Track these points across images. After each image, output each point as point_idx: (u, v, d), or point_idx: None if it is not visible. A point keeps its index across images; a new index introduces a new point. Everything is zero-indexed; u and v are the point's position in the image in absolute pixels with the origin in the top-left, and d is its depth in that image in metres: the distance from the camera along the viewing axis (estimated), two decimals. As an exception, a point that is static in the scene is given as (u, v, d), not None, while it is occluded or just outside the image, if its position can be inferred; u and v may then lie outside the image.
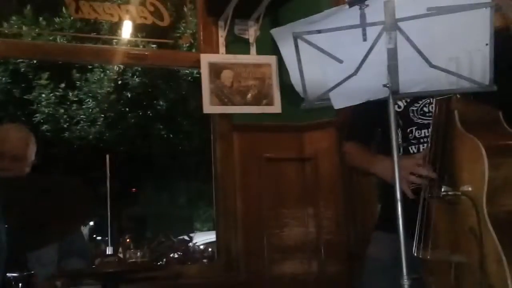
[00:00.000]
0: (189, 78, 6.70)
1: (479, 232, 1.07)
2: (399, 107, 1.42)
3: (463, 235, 1.12)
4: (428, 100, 1.39)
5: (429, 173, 1.21)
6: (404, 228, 1.07)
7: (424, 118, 1.40)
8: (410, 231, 1.15)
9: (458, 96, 1.20)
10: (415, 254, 1.17)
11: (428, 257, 1.12)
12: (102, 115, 6.88)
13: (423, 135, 1.40)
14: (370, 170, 1.45)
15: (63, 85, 6.65)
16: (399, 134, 1.43)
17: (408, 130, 1.42)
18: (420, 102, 1.41)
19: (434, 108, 1.26)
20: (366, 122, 1.46)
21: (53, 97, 6.65)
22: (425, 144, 1.38)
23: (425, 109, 1.40)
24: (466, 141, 1.15)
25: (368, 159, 1.45)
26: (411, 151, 1.41)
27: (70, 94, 6.73)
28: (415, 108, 1.40)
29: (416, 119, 1.41)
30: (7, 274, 1.45)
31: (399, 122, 1.43)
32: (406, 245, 1.10)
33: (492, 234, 1.06)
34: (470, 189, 1.11)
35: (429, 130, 1.36)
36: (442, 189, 1.14)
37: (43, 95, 6.62)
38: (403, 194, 1.26)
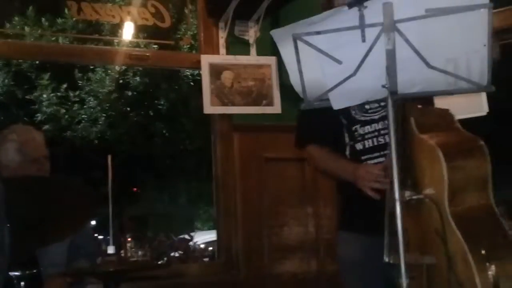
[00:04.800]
0: (190, 79, 6.72)
1: (444, 232, 1.09)
2: None
3: (429, 237, 1.15)
4: None
5: (385, 179, 1.24)
6: (377, 231, 1.09)
7: (366, 115, 1.43)
8: (380, 232, 1.18)
9: (412, 103, 1.23)
10: (386, 260, 1.18)
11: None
12: (104, 115, 6.90)
13: (366, 131, 1.44)
14: (343, 177, 1.44)
15: (65, 85, 6.67)
16: (346, 133, 1.46)
17: (353, 128, 1.45)
18: None
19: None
20: (320, 122, 1.46)
21: (55, 97, 6.67)
22: (369, 140, 1.42)
23: (366, 107, 1.43)
24: (424, 146, 1.18)
25: (341, 166, 1.46)
26: (357, 148, 1.45)
27: (72, 94, 6.75)
28: (356, 106, 1.42)
29: (358, 116, 1.45)
30: (10, 273, 1.46)
31: (342, 121, 1.46)
32: (378, 247, 1.11)
33: (457, 233, 1.08)
34: (432, 192, 1.14)
35: (372, 126, 1.42)
36: (406, 194, 1.16)
37: (45, 95, 6.64)
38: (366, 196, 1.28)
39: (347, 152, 1.46)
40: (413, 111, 1.24)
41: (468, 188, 1.14)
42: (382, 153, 1.39)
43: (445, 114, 1.29)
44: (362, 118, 1.44)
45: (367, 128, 1.43)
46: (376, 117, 1.42)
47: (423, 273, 1.14)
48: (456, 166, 1.13)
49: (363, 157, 1.43)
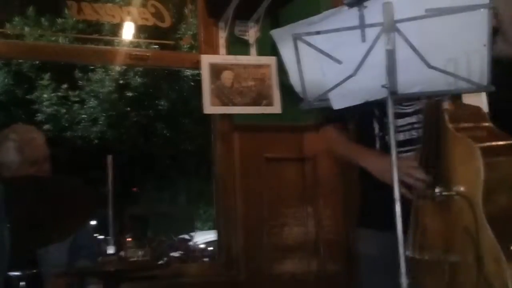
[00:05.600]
0: (190, 78, 6.72)
1: (476, 231, 1.08)
2: None
3: (457, 234, 1.13)
4: None
5: (422, 176, 1.22)
6: (399, 228, 1.08)
7: (401, 107, 1.40)
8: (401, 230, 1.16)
9: (447, 98, 1.22)
10: (410, 255, 1.17)
11: (426, 257, 1.12)
12: (104, 115, 6.91)
13: (399, 124, 1.40)
14: (360, 163, 1.42)
15: (65, 85, 6.67)
16: (376, 124, 1.43)
17: (385, 119, 1.39)
18: None
19: (423, 111, 1.27)
20: (350, 108, 1.38)
21: (55, 97, 6.68)
22: (402, 133, 1.40)
23: None
24: (458, 142, 1.16)
25: (359, 152, 1.43)
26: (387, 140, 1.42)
27: (72, 94, 6.76)
28: None
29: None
30: (10, 273, 1.46)
31: (375, 111, 1.43)
32: (397, 244, 1.11)
33: (489, 233, 1.06)
34: (464, 189, 1.12)
35: (405, 119, 1.40)
36: (437, 190, 1.14)
37: (45, 95, 6.65)
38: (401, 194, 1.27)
39: (377, 144, 1.43)
40: (447, 106, 1.21)
41: (502, 187, 1.12)
42: (414, 147, 1.36)
43: (478, 111, 1.26)
44: (396, 110, 1.38)
45: (400, 121, 1.40)
46: (410, 110, 1.40)
47: (445, 271, 1.13)
48: (492, 164, 1.11)
49: None
